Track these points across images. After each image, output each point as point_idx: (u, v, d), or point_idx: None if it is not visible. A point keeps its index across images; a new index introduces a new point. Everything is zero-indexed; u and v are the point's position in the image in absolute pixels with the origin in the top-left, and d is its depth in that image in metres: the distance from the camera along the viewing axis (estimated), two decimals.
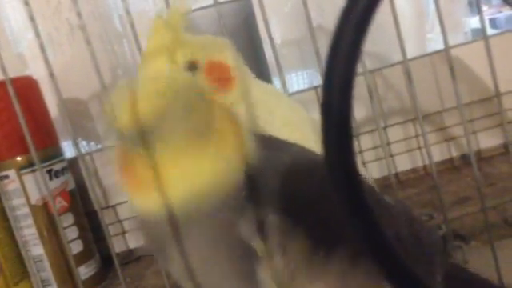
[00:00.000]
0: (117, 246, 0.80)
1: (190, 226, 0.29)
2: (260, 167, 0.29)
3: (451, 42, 0.54)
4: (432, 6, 0.88)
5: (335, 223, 0.28)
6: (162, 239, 0.31)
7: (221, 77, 0.38)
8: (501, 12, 1.14)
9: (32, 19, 0.48)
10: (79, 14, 0.48)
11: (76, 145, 0.54)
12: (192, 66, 0.42)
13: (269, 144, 0.32)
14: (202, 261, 0.29)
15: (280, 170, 0.30)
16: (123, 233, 0.82)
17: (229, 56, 0.43)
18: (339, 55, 0.16)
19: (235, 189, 0.28)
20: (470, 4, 0.92)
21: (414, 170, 0.80)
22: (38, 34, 0.49)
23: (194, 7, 0.63)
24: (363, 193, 0.17)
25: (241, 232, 0.28)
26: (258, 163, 0.30)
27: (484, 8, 1.11)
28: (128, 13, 0.51)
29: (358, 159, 0.79)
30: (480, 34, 0.55)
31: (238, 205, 0.29)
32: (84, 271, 0.68)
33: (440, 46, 0.65)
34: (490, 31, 1.10)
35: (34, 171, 0.65)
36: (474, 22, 0.92)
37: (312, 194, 0.29)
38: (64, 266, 0.67)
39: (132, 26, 0.51)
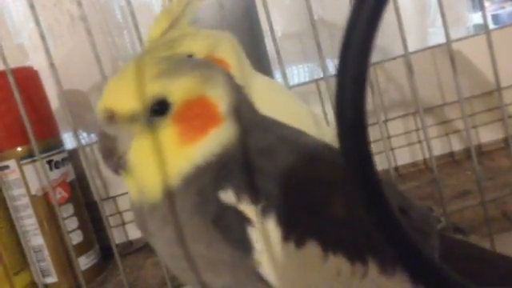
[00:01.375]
0: (117, 237, 0.80)
1: (180, 195, 0.30)
2: (248, 143, 0.30)
3: (453, 36, 0.54)
4: (434, 0, 0.88)
5: (311, 214, 0.29)
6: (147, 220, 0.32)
7: None
8: (503, 8, 1.14)
9: (32, 7, 0.48)
10: (80, 4, 0.48)
11: (76, 136, 0.54)
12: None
13: (261, 123, 0.33)
14: (191, 230, 0.30)
15: (267, 151, 0.30)
16: (123, 224, 0.82)
17: (230, 54, 0.44)
18: (353, 46, 0.16)
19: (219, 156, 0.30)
20: (472, 0, 0.91)
21: (414, 164, 0.80)
22: (38, 23, 0.49)
23: None
24: (379, 182, 0.17)
25: (224, 199, 0.29)
26: (247, 140, 0.31)
27: (486, 4, 1.10)
28: (129, 3, 0.50)
29: None
30: (482, 29, 0.55)
31: (222, 171, 0.29)
32: (84, 262, 0.68)
33: (441, 39, 0.65)
34: (492, 27, 1.09)
35: (34, 162, 0.65)
36: (476, 17, 0.92)
37: (295, 179, 0.29)
38: (64, 257, 0.67)
39: (133, 16, 0.50)
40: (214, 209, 0.29)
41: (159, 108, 0.30)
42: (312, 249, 0.28)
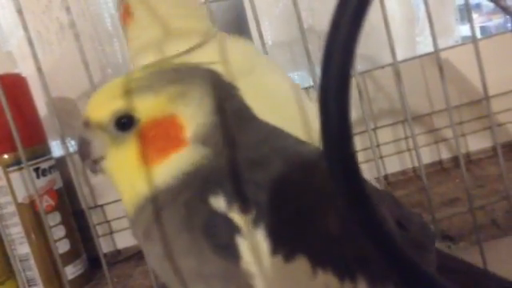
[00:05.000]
0: (105, 246, 0.79)
1: (167, 207, 0.30)
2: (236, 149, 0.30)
3: (442, 46, 0.54)
4: (422, 10, 0.88)
5: (299, 225, 0.28)
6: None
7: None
8: (491, 20, 1.16)
9: (20, 12, 0.48)
10: (68, 9, 0.48)
11: (64, 143, 0.54)
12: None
13: (255, 132, 0.32)
14: (179, 242, 0.29)
15: (258, 157, 0.30)
16: (111, 233, 0.81)
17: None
18: (335, 51, 0.16)
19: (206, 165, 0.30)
20: (460, 11, 0.92)
21: (403, 172, 0.81)
22: (26, 28, 0.48)
23: None
24: (365, 189, 0.17)
25: (215, 206, 0.28)
26: (235, 151, 0.30)
27: (475, 16, 1.12)
28: (117, 11, 0.50)
29: None
30: (470, 40, 0.55)
31: (211, 179, 0.29)
32: (71, 271, 0.67)
33: (429, 48, 0.65)
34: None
35: (21, 169, 0.64)
36: (464, 29, 0.93)
37: (288, 191, 0.29)
38: (50, 266, 0.66)
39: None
40: (203, 218, 0.28)
41: (124, 123, 0.30)
42: (301, 264, 0.28)
